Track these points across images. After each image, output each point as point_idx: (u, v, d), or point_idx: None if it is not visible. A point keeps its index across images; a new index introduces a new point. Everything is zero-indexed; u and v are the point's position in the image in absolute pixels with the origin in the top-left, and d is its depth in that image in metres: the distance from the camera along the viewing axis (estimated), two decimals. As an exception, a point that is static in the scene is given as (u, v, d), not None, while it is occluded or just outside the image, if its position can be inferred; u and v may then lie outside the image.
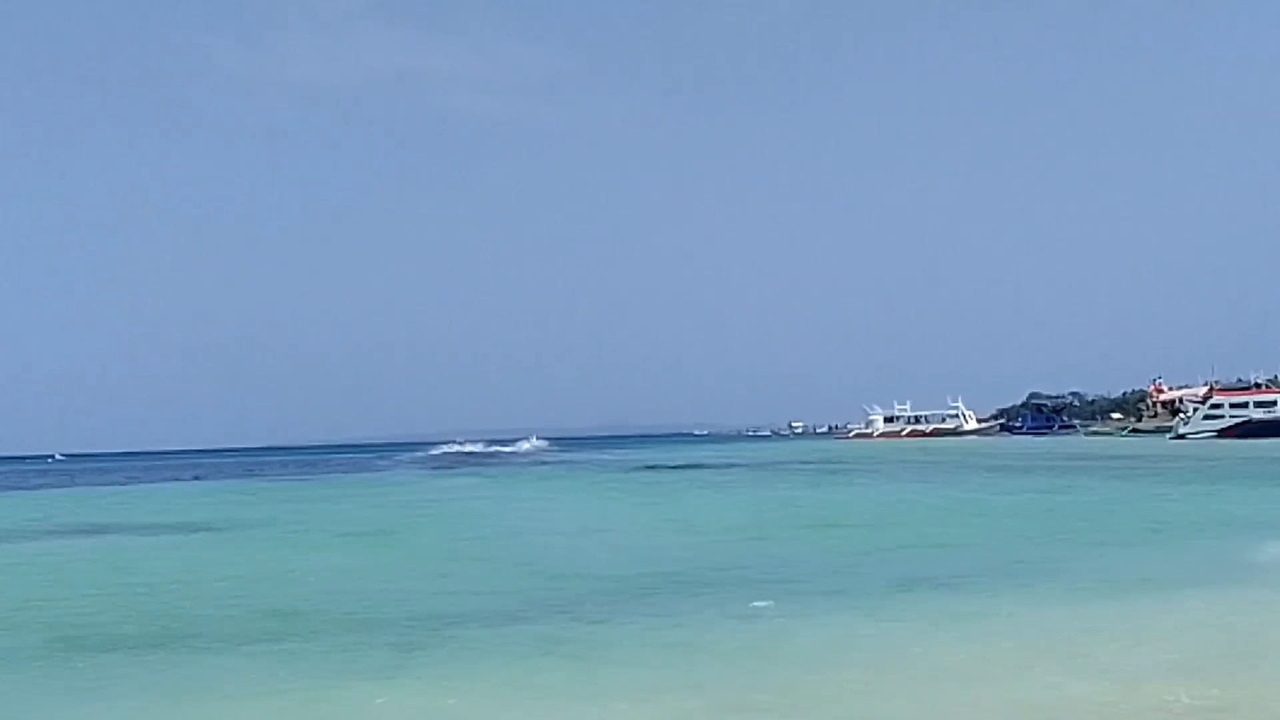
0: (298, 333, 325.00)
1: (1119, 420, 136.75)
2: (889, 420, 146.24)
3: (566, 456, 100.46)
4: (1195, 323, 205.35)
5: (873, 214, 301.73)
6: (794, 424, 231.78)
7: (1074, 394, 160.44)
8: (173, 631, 14.52)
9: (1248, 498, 32.60)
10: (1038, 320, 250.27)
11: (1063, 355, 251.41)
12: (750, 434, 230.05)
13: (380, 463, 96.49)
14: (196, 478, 75.29)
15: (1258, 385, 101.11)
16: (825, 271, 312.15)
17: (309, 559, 23.10)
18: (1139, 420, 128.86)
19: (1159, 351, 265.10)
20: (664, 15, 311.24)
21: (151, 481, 72.24)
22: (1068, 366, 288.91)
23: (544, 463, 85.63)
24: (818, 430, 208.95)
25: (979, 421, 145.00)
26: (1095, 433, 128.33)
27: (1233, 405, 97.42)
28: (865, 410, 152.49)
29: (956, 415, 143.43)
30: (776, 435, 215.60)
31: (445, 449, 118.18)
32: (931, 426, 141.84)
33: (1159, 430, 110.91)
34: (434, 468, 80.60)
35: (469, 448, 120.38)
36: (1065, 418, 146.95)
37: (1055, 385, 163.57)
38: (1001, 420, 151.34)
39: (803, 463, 70.82)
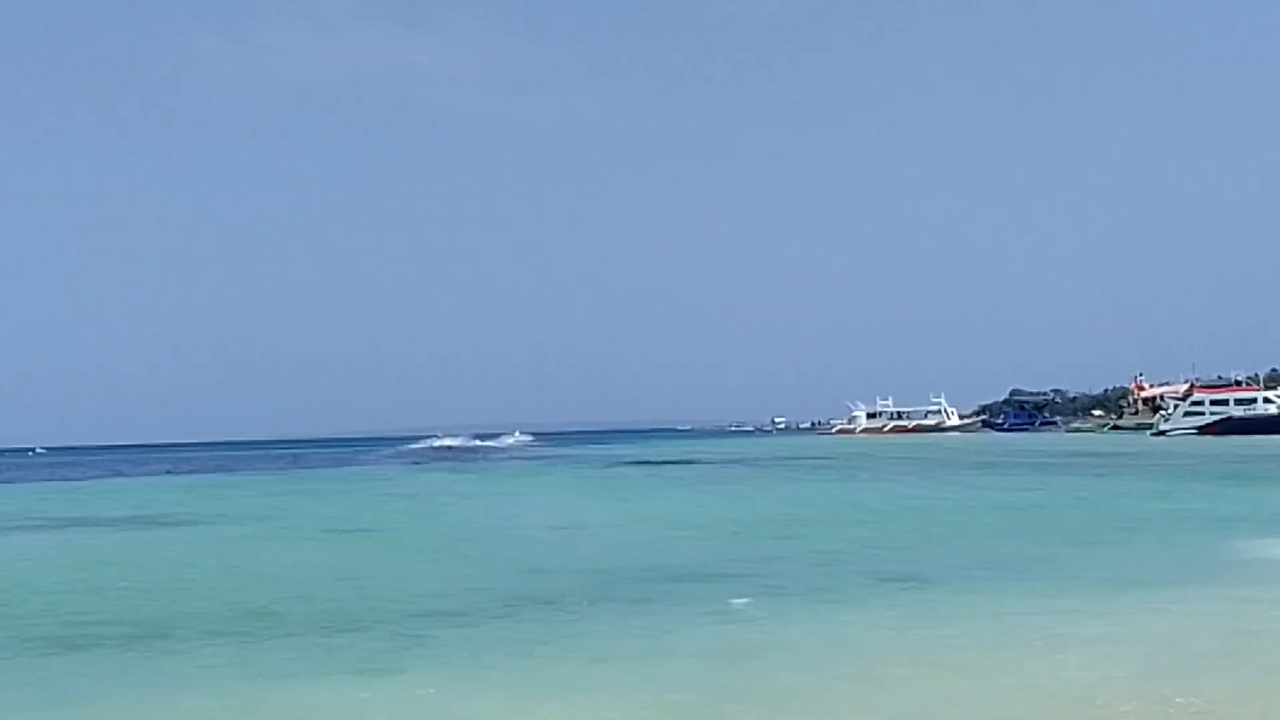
0: (281, 327, 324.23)
1: (1100, 417, 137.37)
2: (872, 416, 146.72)
3: (550, 451, 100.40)
4: (1176, 321, 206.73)
5: (858, 212, 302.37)
6: (777, 420, 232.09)
7: (1056, 391, 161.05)
8: (150, 627, 14.43)
9: (1228, 495, 32.76)
10: (1020, 317, 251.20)
11: (1045, 352, 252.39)
12: (734, 429, 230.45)
13: (362, 457, 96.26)
14: (175, 472, 75.03)
15: (1238, 383, 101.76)
16: (810, 269, 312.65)
17: (289, 554, 23.03)
18: (1120, 417, 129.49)
19: (1140, 349, 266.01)
20: (657, 11, 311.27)
21: (132, 475, 71.95)
22: (1049, 364, 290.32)
23: (527, 458, 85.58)
24: (800, 426, 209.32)
25: (961, 418, 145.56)
26: (1076, 429, 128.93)
27: (1213, 402, 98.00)
28: (848, 406, 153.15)
29: (939, 412, 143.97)
30: (760, 431, 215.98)
31: (428, 444, 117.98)
32: (914, 423, 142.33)
33: (1140, 427, 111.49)
34: (416, 462, 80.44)
35: (452, 442, 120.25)
36: (1047, 414, 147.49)
37: (1037, 382, 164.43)
38: (983, 417, 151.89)
39: (785, 459, 70.92)
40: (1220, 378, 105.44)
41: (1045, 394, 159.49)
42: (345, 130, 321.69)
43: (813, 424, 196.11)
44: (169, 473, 73.17)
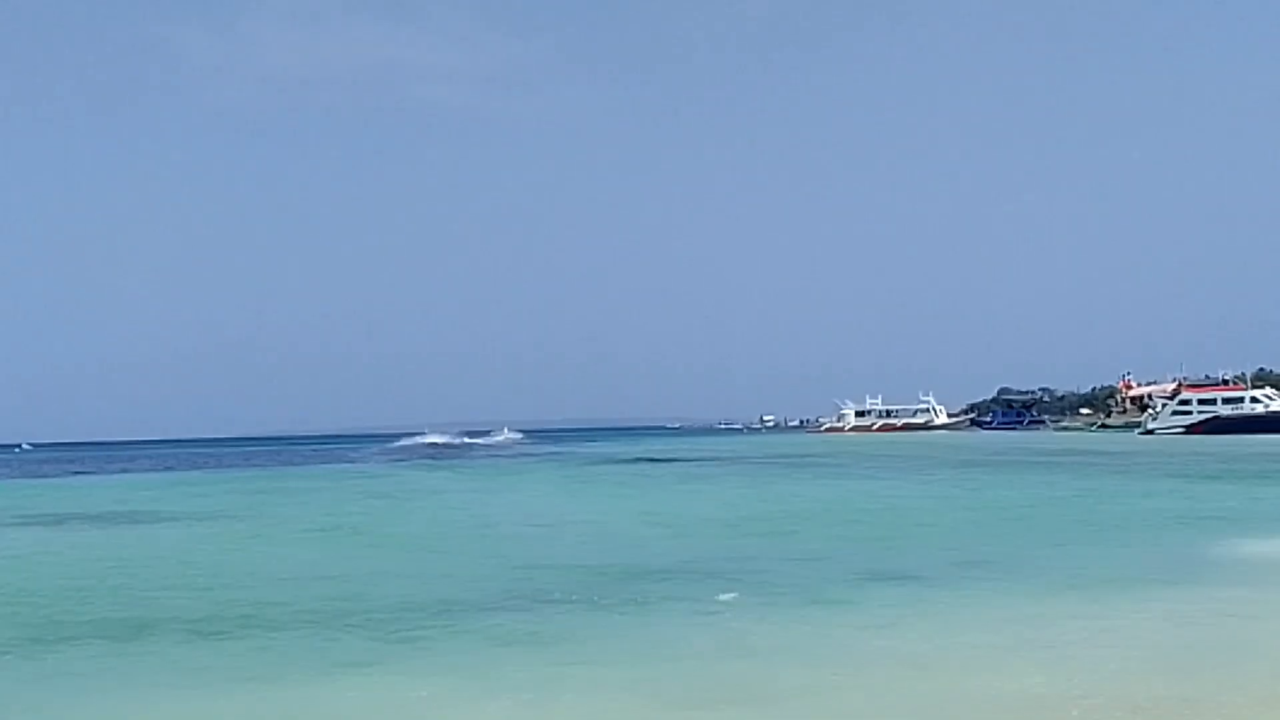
0: (269, 323, 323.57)
1: (1088, 416, 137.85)
2: (860, 414, 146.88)
3: (539, 449, 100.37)
4: (1164, 320, 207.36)
5: (847, 211, 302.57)
6: (766, 418, 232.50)
7: (1044, 390, 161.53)
8: (136, 626, 14.38)
9: (1214, 493, 32.86)
10: (1008, 316, 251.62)
11: (1033, 351, 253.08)
12: (723, 428, 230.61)
13: (351, 454, 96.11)
14: (162, 468, 74.83)
15: (1225, 382, 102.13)
16: (800, 268, 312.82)
17: (276, 551, 22.98)
18: (1108, 416, 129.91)
19: (1128, 348, 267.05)
20: (645, 5, 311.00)
21: (118, 472, 71.73)
22: (1037, 362, 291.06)
23: (516, 455, 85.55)
24: (789, 424, 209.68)
25: (949, 416, 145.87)
26: (1064, 428, 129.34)
27: (1201, 401, 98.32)
28: (837, 404, 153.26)
29: (927, 410, 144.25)
30: (748, 429, 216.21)
31: (417, 440, 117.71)
32: (902, 421, 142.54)
33: (1128, 426, 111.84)
34: (405, 459, 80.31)
35: (441, 439, 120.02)
36: (1035, 413, 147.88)
37: (1025, 381, 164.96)
38: (972, 415, 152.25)
39: (773, 457, 70.99)
40: (1208, 377, 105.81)
41: (1033, 393, 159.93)
42: (332, 125, 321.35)
43: (801, 422, 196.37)
44: (156, 469, 72.95)
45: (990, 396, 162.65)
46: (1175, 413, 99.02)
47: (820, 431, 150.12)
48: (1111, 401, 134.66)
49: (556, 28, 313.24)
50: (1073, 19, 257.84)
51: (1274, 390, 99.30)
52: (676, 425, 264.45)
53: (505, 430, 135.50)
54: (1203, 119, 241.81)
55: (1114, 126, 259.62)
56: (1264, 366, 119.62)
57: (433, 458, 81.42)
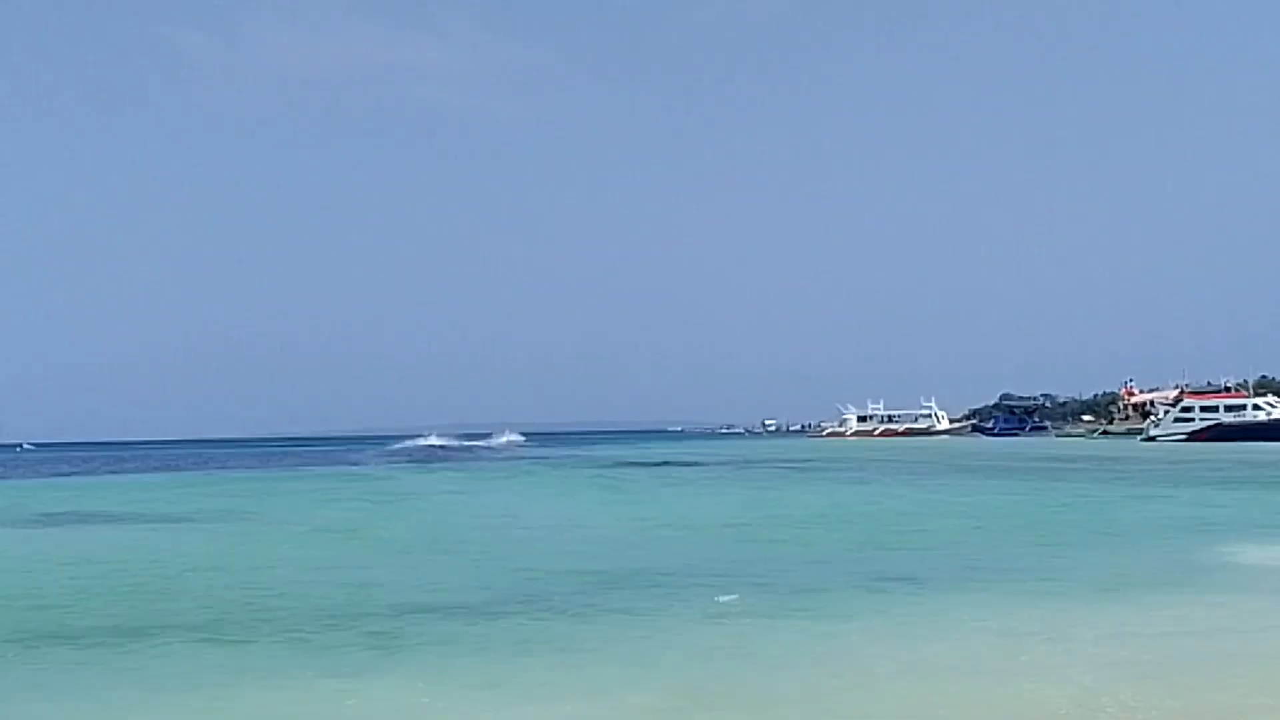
0: (271, 324, 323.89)
1: (1090, 422, 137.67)
2: (862, 419, 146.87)
3: (541, 452, 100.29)
4: (1166, 326, 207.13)
5: (849, 215, 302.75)
6: (767, 422, 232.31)
7: (1045, 395, 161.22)
8: (136, 625, 14.37)
9: (1216, 500, 32.80)
10: (1010, 322, 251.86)
11: (1034, 357, 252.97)
12: (725, 431, 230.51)
13: (351, 455, 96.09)
14: (163, 468, 74.78)
15: (1228, 389, 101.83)
16: (801, 271, 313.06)
17: (278, 552, 22.94)
18: (1110, 422, 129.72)
19: (1130, 354, 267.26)
20: (650, 10, 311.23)
21: (119, 472, 71.72)
22: (1039, 368, 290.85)
23: (518, 458, 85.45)
24: (791, 429, 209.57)
25: (951, 422, 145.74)
26: (1066, 434, 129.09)
27: (1203, 408, 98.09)
28: (839, 409, 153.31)
29: (929, 415, 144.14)
30: (750, 433, 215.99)
31: (418, 442, 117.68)
32: (904, 426, 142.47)
33: (1130, 432, 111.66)
34: (407, 461, 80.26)
35: (441, 441, 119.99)
36: (1036, 419, 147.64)
37: (1027, 386, 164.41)
38: (973, 421, 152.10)
39: (775, 461, 70.91)
40: (1210, 384, 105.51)
41: (1035, 398, 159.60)
42: (335, 128, 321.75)
43: (803, 426, 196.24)
44: (156, 470, 72.93)
45: (992, 402, 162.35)
46: (1177, 420, 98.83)
47: (822, 436, 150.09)
48: (1113, 408, 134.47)
49: (558, 31, 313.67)
50: (1077, 21, 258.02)
51: (1276, 397, 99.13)
52: (678, 429, 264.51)
53: (506, 433, 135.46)
54: (1206, 124, 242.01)
55: (1117, 131, 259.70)
56: (1266, 374, 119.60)
57: (433, 460, 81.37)
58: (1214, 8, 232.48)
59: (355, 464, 77.56)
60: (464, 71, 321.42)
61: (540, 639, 12.99)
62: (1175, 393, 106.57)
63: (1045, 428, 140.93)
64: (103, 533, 28.18)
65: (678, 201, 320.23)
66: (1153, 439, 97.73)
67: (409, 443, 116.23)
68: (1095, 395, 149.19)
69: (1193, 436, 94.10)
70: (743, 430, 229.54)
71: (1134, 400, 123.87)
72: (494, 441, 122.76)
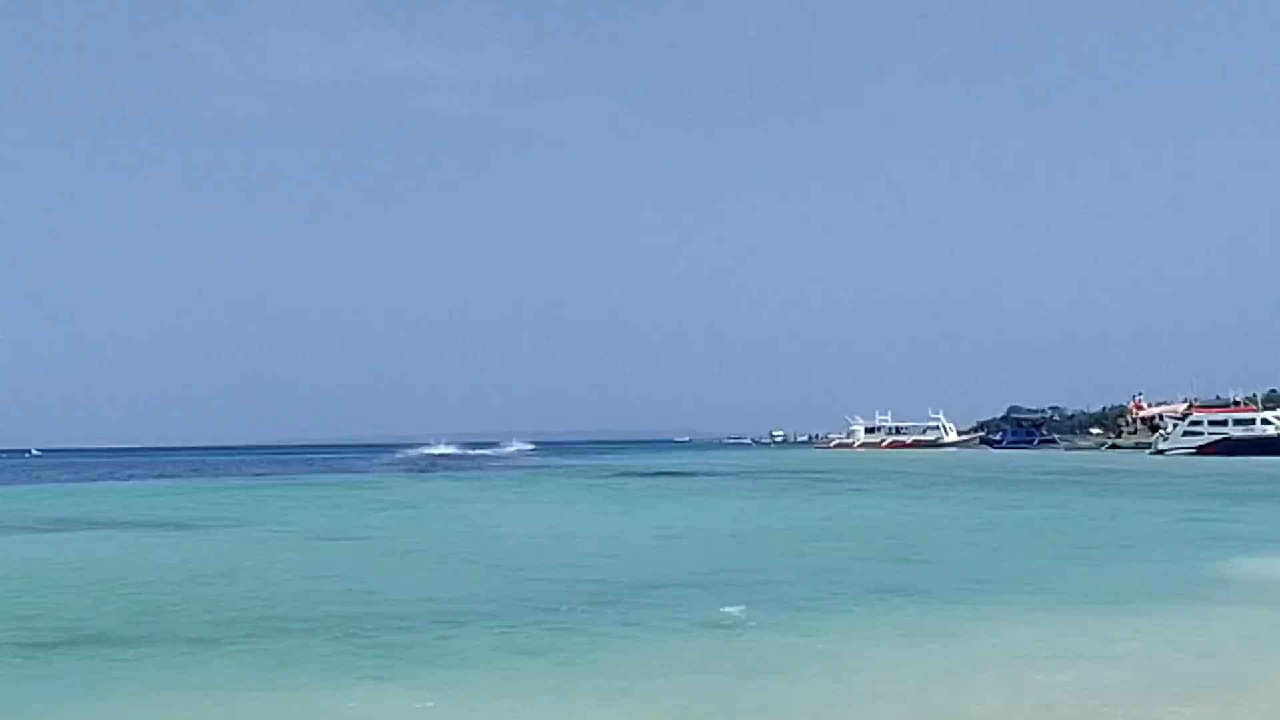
0: (277, 331, 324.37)
1: (1098, 435, 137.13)
2: (870, 431, 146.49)
3: (548, 461, 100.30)
4: (1175, 340, 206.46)
5: (858, 225, 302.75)
6: (775, 433, 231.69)
7: (1054, 408, 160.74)
8: (145, 632, 14.40)
9: (1225, 514, 32.68)
10: (1019, 334, 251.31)
11: (1043, 370, 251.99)
12: (731, 442, 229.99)
13: (358, 463, 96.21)
14: (170, 475, 74.87)
15: (1236, 403, 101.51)
16: (809, 281, 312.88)
17: (284, 560, 22.95)
18: (1118, 436, 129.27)
19: (1138, 368, 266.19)
20: (655, 20, 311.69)
21: (126, 478, 71.83)
22: (1048, 381, 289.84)
23: (525, 466, 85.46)
24: (799, 439, 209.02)
25: (959, 434, 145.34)
26: (1075, 447, 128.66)
27: (1212, 423, 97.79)
28: (846, 420, 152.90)
29: (937, 427, 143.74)
30: (757, 444, 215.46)
31: (425, 450, 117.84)
32: (912, 438, 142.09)
33: (1138, 446, 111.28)
34: (414, 469, 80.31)
35: (451, 450, 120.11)
36: (1045, 432, 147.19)
37: (1035, 399, 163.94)
38: (981, 433, 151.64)
39: (782, 472, 70.82)
40: (1219, 398, 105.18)
41: (1043, 411, 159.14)
42: (342, 134, 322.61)
43: (810, 437, 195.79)
44: (163, 476, 73.04)
45: (1000, 414, 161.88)
46: (1186, 434, 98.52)
47: (829, 447, 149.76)
48: (1122, 421, 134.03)
49: (566, 39, 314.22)
50: (1088, 33, 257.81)
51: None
52: (685, 439, 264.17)
53: (515, 442, 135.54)
54: (1216, 138, 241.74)
55: (1127, 144, 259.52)
56: (1275, 388, 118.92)
57: (441, 468, 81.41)
58: (1227, 13, 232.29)
59: (362, 472, 77.63)
60: (472, 79, 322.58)
61: (545, 648, 12.97)
62: (1184, 407, 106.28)
63: (1054, 441, 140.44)
64: (109, 539, 28.21)
65: (686, 211, 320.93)
66: (1161, 453, 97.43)
67: (416, 451, 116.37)
68: (1104, 408, 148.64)
69: (1201, 450, 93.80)
70: (750, 441, 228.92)
71: (1142, 414, 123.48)
72: (501, 450, 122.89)
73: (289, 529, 30.44)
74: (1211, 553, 21.58)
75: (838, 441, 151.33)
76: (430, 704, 10.57)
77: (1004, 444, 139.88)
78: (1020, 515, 33.41)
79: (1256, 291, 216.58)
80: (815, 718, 9.91)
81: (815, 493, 47.45)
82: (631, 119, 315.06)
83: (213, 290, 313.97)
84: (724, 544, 25.16)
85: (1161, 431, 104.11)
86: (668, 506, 39.28)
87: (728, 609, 15.03)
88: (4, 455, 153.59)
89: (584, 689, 10.96)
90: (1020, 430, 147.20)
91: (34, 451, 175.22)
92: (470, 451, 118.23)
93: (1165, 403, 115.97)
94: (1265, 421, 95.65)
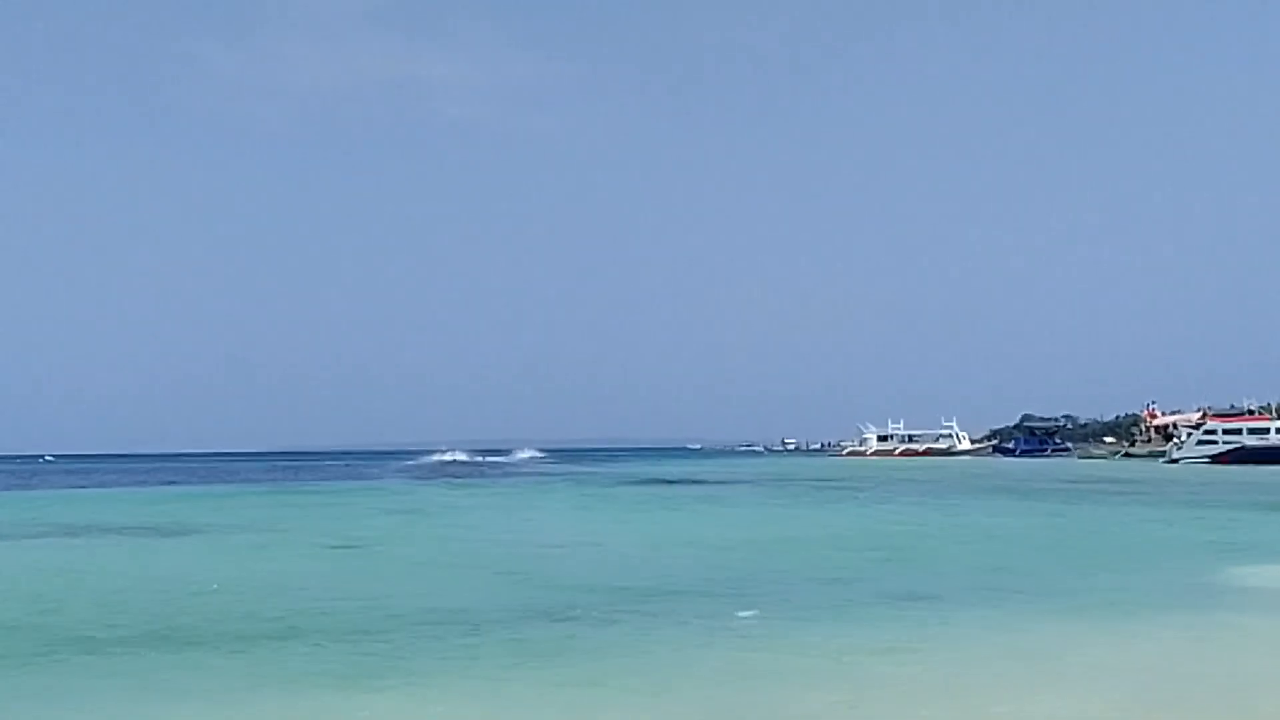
0: (288, 337, 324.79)
1: (1112, 444, 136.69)
2: (882, 439, 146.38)
3: (561, 468, 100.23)
4: (1189, 348, 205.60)
5: (870, 231, 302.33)
6: (787, 440, 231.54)
7: (1067, 417, 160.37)
8: (154, 636, 14.45)
9: (1238, 523, 32.55)
10: (1032, 342, 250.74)
11: (1056, 378, 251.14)
12: (744, 449, 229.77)
13: (371, 469, 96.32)
14: (182, 481, 75.06)
15: (1250, 412, 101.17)
16: (822, 288, 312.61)
17: (296, 565, 23.00)
18: (1132, 444, 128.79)
19: (1152, 376, 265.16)
20: (661, 25, 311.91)
21: (139, 484, 72.04)
22: (1061, 389, 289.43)
23: (538, 474, 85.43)
24: (811, 447, 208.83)
25: (972, 442, 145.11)
26: (1088, 456, 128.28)
27: (1226, 431, 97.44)
28: (859, 428, 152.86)
29: (950, 435, 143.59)
30: (769, 451, 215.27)
31: (438, 457, 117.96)
32: (924, 446, 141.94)
33: (1152, 455, 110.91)
34: (426, 476, 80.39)
35: (460, 456, 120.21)
36: (1058, 440, 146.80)
37: (1049, 408, 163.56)
38: (994, 442, 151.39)
39: (795, 479, 70.72)
40: (1233, 406, 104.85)
41: (1056, 420, 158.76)
42: (352, 140, 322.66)
43: (823, 445, 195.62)
44: (176, 482, 73.26)
45: (1013, 423, 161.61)
46: (1200, 442, 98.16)
47: (842, 455, 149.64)
48: (1135, 430, 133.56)
49: (575, 46, 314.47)
50: (1105, 41, 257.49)
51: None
52: (697, 446, 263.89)
53: (526, 449, 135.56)
54: (1231, 146, 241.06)
55: (1142, 153, 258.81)
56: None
57: (452, 475, 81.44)
58: (1245, 19, 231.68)
59: (373, 478, 77.73)
60: (482, 85, 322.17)
61: (558, 653, 12.98)
62: (1198, 415, 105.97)
63: (1067, 449, 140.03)
64: (122, 544, 28.27)
65: (697, 218, 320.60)
66: (1175, 461, 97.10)
67: (427, 458, 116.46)
68: (1117, 417, 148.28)
69: (1216, 459, 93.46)
70: (762, 448, 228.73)
71: (1156, 422, 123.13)
72: (513, 457, 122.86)
73: (301, 535, 30.48)
74: (1226, 562, 21.49)
75: (850, 449, 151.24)
76: (440, 708, 10.56)
77: (1017, 452, 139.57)
78: (1033, 524, 33.31)
79: (1272, 300, 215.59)
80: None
81: (828, 500, 47.37)
82: (642, 126, 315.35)
83: (224, 296, 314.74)
84: (737, 550, 25.13)
85: (1176, 440, 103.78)
86: (680, 513, 39.26)
87: (742, 614, 15.04)
88: (19, 461, 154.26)
89: (597, 693, 10.98)
90: (1033, 439, 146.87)
91: (48, 457, 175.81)
92: (481, 459, 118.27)
93: (1179, 411, 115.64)
94: None
